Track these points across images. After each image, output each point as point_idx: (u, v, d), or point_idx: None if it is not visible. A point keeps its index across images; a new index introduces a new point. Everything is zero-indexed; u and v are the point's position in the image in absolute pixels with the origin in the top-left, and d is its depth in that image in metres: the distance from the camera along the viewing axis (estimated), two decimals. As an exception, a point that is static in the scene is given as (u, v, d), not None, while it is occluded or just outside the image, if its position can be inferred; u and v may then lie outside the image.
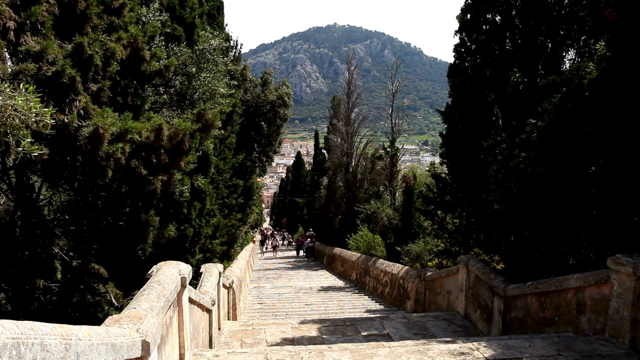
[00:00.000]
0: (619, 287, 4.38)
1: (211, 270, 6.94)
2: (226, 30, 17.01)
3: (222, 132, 11.03)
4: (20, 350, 1.28)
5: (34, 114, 3.42)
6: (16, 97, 3.31)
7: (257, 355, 4.54)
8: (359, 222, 20.70)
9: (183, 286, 4.05)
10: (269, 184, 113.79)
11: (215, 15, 15.16)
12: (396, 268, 12.67)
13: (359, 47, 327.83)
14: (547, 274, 6.34)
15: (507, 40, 8.88)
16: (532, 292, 5.93)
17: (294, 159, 58.62)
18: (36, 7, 4.54)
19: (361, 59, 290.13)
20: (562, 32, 8.23)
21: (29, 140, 3.58)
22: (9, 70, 4.33)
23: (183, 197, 7.89)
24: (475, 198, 9.23)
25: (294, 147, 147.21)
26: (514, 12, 8.69)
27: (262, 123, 20.99)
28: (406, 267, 12.40)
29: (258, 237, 41.43)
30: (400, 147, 26.65)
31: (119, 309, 5.48)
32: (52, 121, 3.66)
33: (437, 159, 20.20)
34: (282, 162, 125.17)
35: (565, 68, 8.15)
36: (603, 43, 5.46)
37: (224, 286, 8.30)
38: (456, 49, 9.91)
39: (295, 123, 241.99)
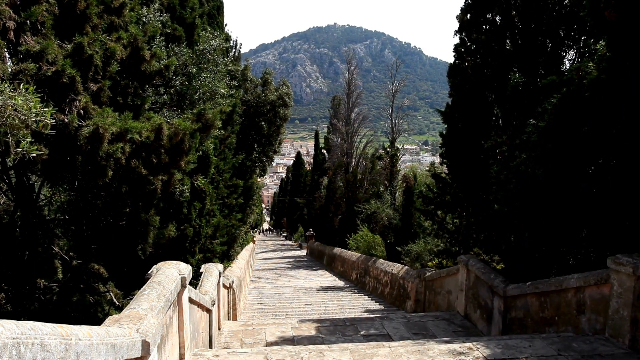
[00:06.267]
0: (619, 287, 4.38)
1: (211, 270, 6.94)
2: (226, 30, 17.00)
3: (222, 132, 11.01)
4: (20, 350, 1.28)
5: (34, 114, 3.42)
6: (16, 97, 3.31)
7: (257, 355, 4.54)
8: (359, 222, 20.71)
9: (183, 286, 4.05)
10: (269, 184, 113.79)
11: (215, 15, 15.15)
12: (396, 268, 12.67)
13: (359, 47, 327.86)
14: (547, 274, 6.34)
15: (507, 40, 8.87)
16: (532, 292, 5.92)
17: (294, 159, 58.62)
18: (36, 7, 4.54)
19: (361, 59, 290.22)
20: (562, 32, 8.23)
21: (29, 140, 3.58)
22: (9, 70, 4.33)
23: (183, 197, 7.90)
24: (475, 198, 9.22)
25: (294, 147, 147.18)
26: (514, 12, 8.69)
27: (262, 123, 20.97)
28: (406, 267, 12.41)
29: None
30: (400, 147, 26.69)
31: (119, 309, 5.48)
32: (52, 121, 3.65)
33: (437, 159, 20.21)
34: (282, 162, 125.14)
35: (565, 68, 8.15)
36: (603, 43, 5.46)
37: (224, 286, 8.30)
38: (456, 49, 9.90)
39: (295, 123, 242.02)
